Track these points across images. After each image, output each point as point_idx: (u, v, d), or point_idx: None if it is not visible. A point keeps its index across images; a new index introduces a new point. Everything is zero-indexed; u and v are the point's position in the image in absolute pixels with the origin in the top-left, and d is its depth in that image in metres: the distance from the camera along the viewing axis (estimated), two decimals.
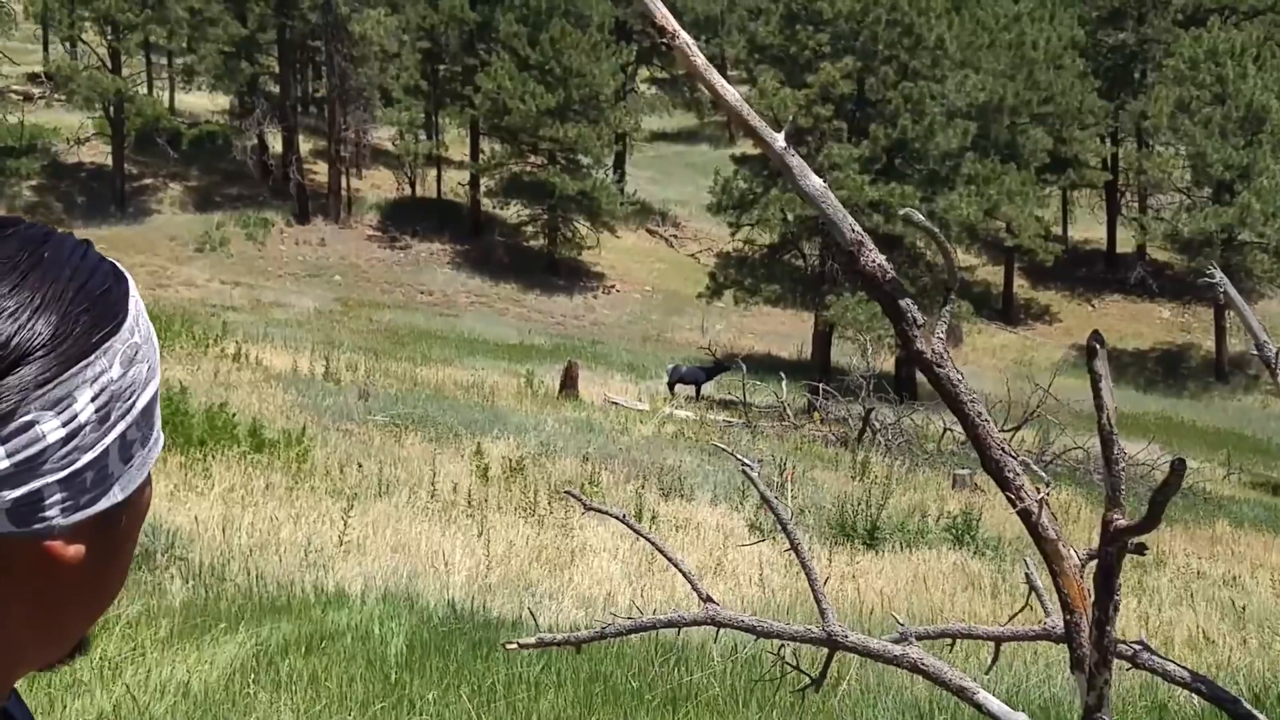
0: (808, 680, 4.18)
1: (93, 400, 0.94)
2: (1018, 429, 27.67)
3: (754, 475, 4.10)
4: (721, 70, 48.46)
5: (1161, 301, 52.39)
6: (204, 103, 57.34)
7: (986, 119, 42.44)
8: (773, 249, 40.08)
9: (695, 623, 4.02)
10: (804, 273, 40.06)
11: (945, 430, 27.97)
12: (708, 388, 32.18)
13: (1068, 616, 3.15)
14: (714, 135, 65.53)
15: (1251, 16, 50.83)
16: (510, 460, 17.24)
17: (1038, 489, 3.12)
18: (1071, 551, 3.14)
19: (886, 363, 39.05)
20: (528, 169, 49.44)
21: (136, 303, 1.00)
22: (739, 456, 4.02)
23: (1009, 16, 45.07)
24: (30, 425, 0.90)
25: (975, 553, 16.05)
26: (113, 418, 0.95)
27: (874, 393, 27.64)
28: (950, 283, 3.14)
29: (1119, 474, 2.66)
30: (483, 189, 51.50)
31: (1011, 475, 3.09)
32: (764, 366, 36.12)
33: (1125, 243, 55.19)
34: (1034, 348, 48.58)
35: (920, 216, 3.05)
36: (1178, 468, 2.40)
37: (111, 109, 48.89)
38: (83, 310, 0.95)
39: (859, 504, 16.88)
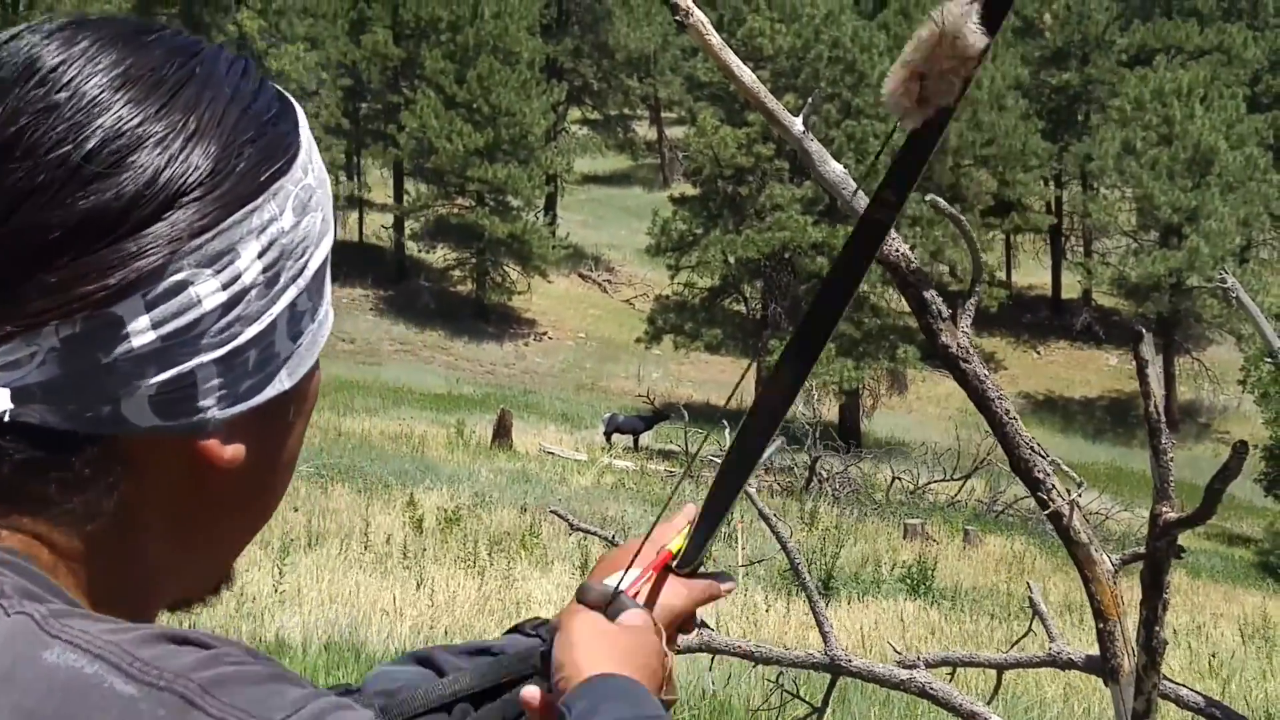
0: (810, 709, 4.13)
1: (260, 256, 0.78)
2: (967, 478, 28.13)
3: (751, 492, 4.05)
4: (656, 111, 48.77)
5: (1108, 348, 53.05)
6: None
7: (930, 160, 42.92)
8: (713, 292, 40.21)
9: (690, 649, 3.96)
10: (745, 317, 40.19)
11: (894, 479, 28.13)
12: (646, 437, 32.11)
13: (1101, 625, 3.12)
14: (647, 178, 65.84)
15: (1198, 56, 51.97)
16: (445, 511, 17.07)
17: (1068, 490, 3.10)
18: (1105, 556, 3.12)
19: (831, 410, 39.22)
20: (455, 211, 49.33)
21: (309, 135, 0.84)
22: None
23: None
24: (183, 286, 0.75)
25: (932, 602, 16.10)
26: (282, 280, 0.80)
27: (819, 441, 27.72)
28: (975, 273, 3.13)
29: (1167, 464, 2.64)
30: (407, 232, 51.31)
31: (1041, 475, 3.07)
32: (704, 415, 36.17)
33: (1070, 288, 55.92)
34: None
35: (945, 204, 3.04)
36: (1240, 450, 2.39)
37: None
38: (248, 140, 0.79)
39: (811, 554, 16.88)
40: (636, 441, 31.76)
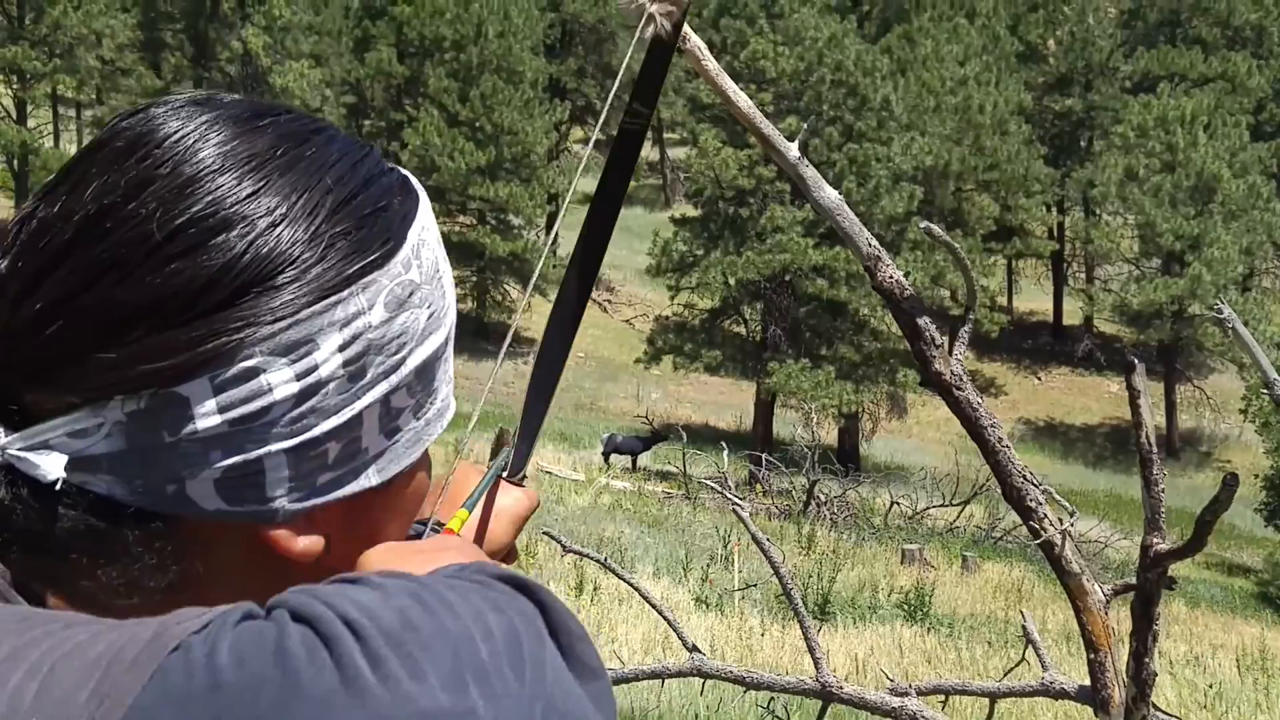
0: None
1: (341, 349, 0.76)
2: (966, 504, 28.10)
3: (744, 514, 4.06)
4: (658, 132, 48.86)
5: (1109, 375, 53.06)
6: None
7: (932, 184, 43.04)
8: (713, 314, 40.26)
9: (682, 673, 3.95)
10: (745, 339, 40.23)
11: (892, 504, 28.10)
12: (644, 458, 32.09)
13: (1092, 655, 3.12)
14: (649, 198, 65.93)
15: (1201, 84, 52.07)
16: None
17: (1060, 520, 3.10)
18: (1097, 587, 3.12)
19: (830, 434, 39.20)
20: (456, 229, 49.38)
21: (422, 230, 0.83)
22: (729, 495, 3.99)
23: (955, 80, 45.89)
24: (254, 373, 0.74)
25: (929, 629, 16.07)
26: (369, 375, 0.78)
27: (818, 464, 27.69)
28: (970, 301, 3.13)
29: (1158, 496, 2.65)
30: None
31: (1034, 505, 3.08)
32: (703, 437, 36.14)
33: (1072, 314, 56.00)
34: None
35: (940, 231, 3.05)
36: (1230, 482, 2.40)
37: (15, 162, 48.35)
38: (341, 232, 0.78)
39: (808, 578, 16.85)
40: (635, 462, 31.73)
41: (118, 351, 0.73)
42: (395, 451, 0.82)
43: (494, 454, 1.30)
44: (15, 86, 48.93)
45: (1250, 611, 24.67)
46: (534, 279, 1.37)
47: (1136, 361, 2.59)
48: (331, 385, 0.77)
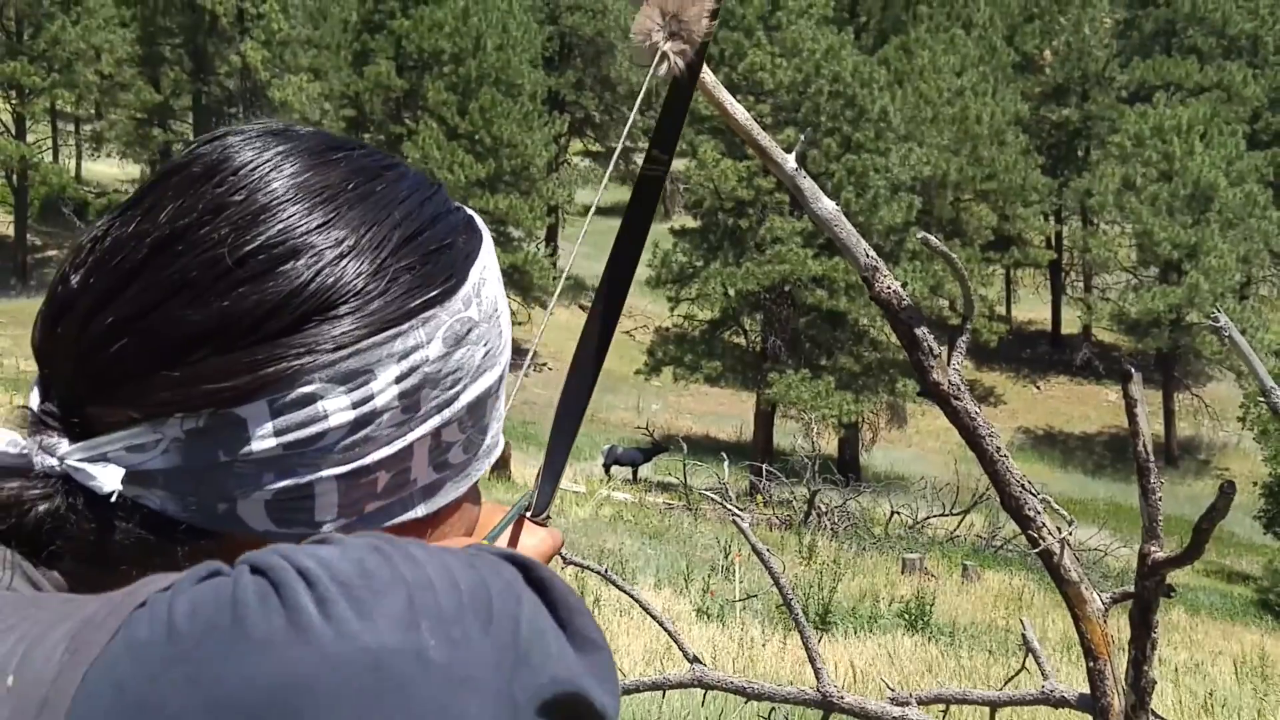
0: None
1: (398, 381, 0.78)
2: (966, 513, 28.10)
3: (744, 525, 4.06)
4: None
5: (1108, 384, 53.08)
6: (113, 171, 56.94)
7: (930, 194, 43.08)
8: (713, 325, 40.29)
9: (683, 684, 3.95)
10: (745, 349, 40.24)
11: (893, 513, 28.09)
12: (645, 469, 32.10)
13: (1091, 664, 3.12)
14: None
15: (1198, 93, 52.16)
16: None
17: (1059, 529, 3.10)
18: (1095, 595, 3.12)
19: (830, 444, 39.21)
20: None
21: (484, 269, 0.85)
22: (729, 506, 4.01)
23: (952, 90, 45.93)
24: (312, 399, 0.76)
25: (930, 638, 16.05)
26: (423, 409, 0.80)
27: (818, 474, 27.70)
28: (967, 311, 3.14)
29: (1156, 504, 2.65)
30: None
31: (1032, 514, 3.08)
32: (703, 448, 36.15)
33: (1070, 323, 56.03)
34: None
35: (937, 241, 3.06)
36: (1227, 490, 2.40)
37: (14, 177, 48.35)
38: (405, 266, 0.79)
39: (809, 588, 16.84)
40: (635, 473, 31.74)
41: (181, 370, 0.75)
42: (444, 484, 0.84)
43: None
44: (14, 101, 48.96)
45: (1250, 618, 24.67)
46: (553, 302, 1.35)
47: (1133, 371, 2.59)
48: (386, 416, 0.78)
